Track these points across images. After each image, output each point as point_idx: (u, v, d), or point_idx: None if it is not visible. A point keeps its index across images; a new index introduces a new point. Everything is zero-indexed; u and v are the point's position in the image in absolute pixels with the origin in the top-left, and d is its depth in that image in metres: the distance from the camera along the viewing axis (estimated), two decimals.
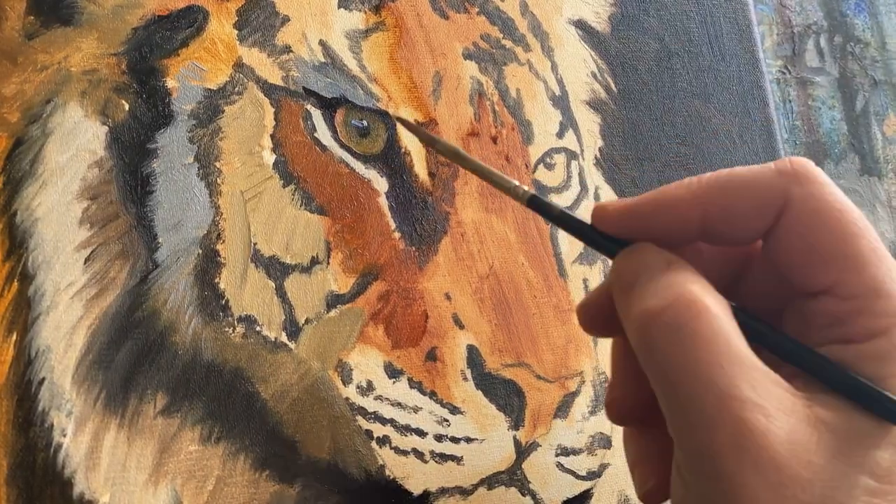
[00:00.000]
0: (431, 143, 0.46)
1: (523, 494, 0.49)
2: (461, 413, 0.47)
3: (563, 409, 0.50)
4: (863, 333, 0.26)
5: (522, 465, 0.49)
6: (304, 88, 0.48)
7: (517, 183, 0.33)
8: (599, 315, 0.33)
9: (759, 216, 0.29)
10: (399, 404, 0.46)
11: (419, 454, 0.46)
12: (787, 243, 0.29)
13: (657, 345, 0.26)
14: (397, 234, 0.49)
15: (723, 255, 0.31)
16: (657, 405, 0.30)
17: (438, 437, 0.47)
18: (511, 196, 0.34)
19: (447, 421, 0.47)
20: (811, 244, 0.28)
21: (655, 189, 0.30)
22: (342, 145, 0.48)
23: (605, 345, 0.53)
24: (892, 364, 0.26)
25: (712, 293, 0.27)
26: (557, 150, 0.56)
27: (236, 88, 0.46)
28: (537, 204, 0.33)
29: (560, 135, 0.56)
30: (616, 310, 0.31)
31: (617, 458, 0.53)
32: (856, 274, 0.27)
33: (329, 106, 0.48)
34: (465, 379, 0.48)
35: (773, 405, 0.24)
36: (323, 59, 0.49)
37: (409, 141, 0.50)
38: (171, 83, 0.45)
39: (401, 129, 0.49)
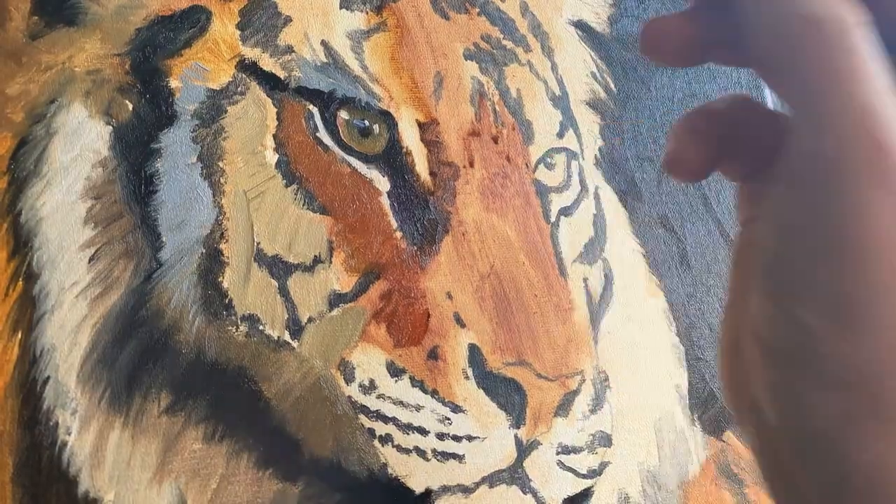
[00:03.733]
0: None
1: (524, 492, 0.49)
2: (463, 411, 0.48)
3: (563, 407, 0.51)
4: None
5: (523, 464, 0.49)
6: (306, 88, 0.48)
7: None
8: (676, 36, 0.32)
9: None
10: (401, 403, 0.47)
11: (421, 452, 0.47)
12: None
13: (806, 50, 0.27)
14: (399, 234, 0.49)
15: None
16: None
17: (440, 436, 0.47)
18: None
19: (449, 419, 0.47)
20: None
21: None
22: (344, 145, 0.48)
23: (606, 344, 0.54)
24: None
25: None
26: (558, 150, 0.56)
27: (239, 88, 0.46)
28: None
29: (560, 134, 0.56)
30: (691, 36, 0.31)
31: (617, 456, 0.53)
32: None
33: (331, 106, 0.48)
34: (467, 377, 0.48)
35: None
36: (325, 60, 0.49)
37: (410, 141, 0.50)
38: (174, 83, 0.45)
39: (402, 128, 0.50)
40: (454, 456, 0.47)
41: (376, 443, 0.46)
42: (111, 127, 0.43)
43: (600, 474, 0.52)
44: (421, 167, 0.50)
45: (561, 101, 0.57)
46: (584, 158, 0.57)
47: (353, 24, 0.50)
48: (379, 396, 0.46)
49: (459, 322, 0.49)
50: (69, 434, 0.39)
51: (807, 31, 0.27)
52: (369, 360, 0.47)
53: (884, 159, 0.24)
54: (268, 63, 0.47)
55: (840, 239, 0.24)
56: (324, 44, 0.49)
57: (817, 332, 0.25)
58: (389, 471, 0.46)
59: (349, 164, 0.48)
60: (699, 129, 0.34)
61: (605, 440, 0.52)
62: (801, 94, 0.27)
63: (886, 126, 0.24)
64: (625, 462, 0.53)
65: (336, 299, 0.47)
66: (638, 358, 0.55)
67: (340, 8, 0.50)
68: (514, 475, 0.49)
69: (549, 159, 0.55)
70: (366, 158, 0.49)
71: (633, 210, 0.59)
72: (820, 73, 0.26)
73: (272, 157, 0.46)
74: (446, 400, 0.47)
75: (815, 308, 0.25)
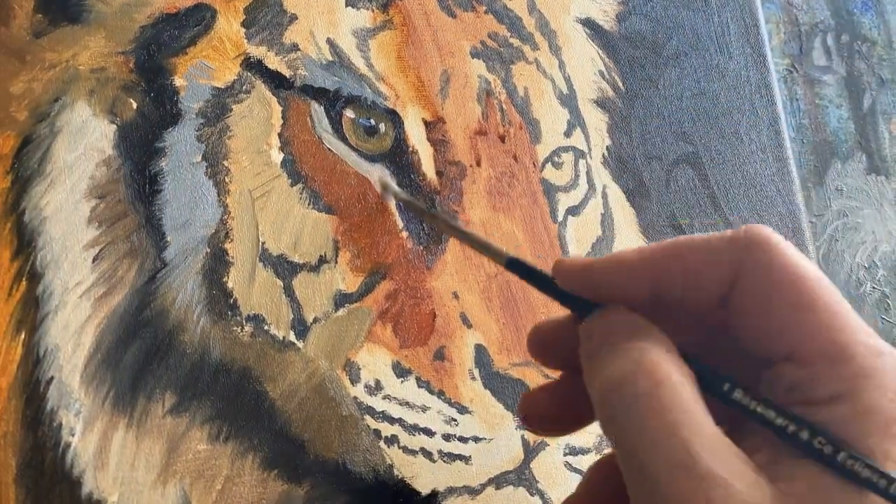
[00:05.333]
0: (425, 215, 0.47)
1: (531, 494, 0.49)
2: (469, 412, 0.47)
3: None
4: (825, 397, 0.26)
5: (531, 465, 0.49)
6: (311, 87, 0.48)
7: (500, 247, 0.33)
8: (550, 346, 0.34)
9: (710, 283, 0.28)
10: (407, 404, 0.46)
11: (427, 454, 0.46)
12: (742, 312, 0.28)
13: (616, 414, 0.26)
14: (405, 233, 0.48)
15: (683, 326, 0.31)
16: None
17: (446, 437, 0.47)
18: (493, 259, 0.34)
19: (455, 420, 0.47)
20: (766, 312, 0.27)
21: (614, 252, 0.31)
22: (350, 144, 0.48)
23: None
24: (856, 426, 0.25)
25: (675, 362, 0.27)
26: (565, 149, 0.55)
27: (244, 87, 0.46)
28: (515, 265, 0.33)
29: (568, 133, 0.56)
30: (564, 345, 0.32)
31: None
32: (814, 340, 0.26)
33: (336, 104, 0.48)
34: (473, 378, 0.48)
35: (733, 477, 0.24)
36: (330, 58, 0.48)
37: (416, 140, 0.49)
38: (178, 81, 0.45)
39: (408, 127, 0.49)
40: (460, 457, 0.47)
41: (382, 444, 0.46)
42: (115, 125, 0.43)
43: None
44: (427, 166, 0.50)
45: (568, 100, 0.57)
46: (591, 157, 0.57)
47: (359, 22, 0.50)
48: (385, 397, 0.46)
49: (466, 322, 0.48)
50: (73, 435, 0.39)
51: (613, 394, 0.27)
52: (375, 361, 0.46)
53: None
54: (273, 61, 0.47)
55: None
56: (329, 42, 0.49)
57: None
58: (395, 472, 0.46)
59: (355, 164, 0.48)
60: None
61: None
62: (623, 459, 0.26)
63: (710, 477, 0.24)
64: None
65: (341, 299, 0.46)
66: None
67: (346, 6, 0.50)
68: (521, 476, 0.49)
69: (556, 158, 0.55)
70: (371, 157, 0.48)
71: (641, 209, 0.58)
72: (633, 435, 0.25)
73: (277, 156, 0.46)
74: (453, 401, 0.47)
75: None
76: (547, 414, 0.34)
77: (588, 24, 0.60)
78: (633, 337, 0.28)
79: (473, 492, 0.47)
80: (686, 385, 0.26)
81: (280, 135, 0.46)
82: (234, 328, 0.43)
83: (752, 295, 0.28)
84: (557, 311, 0.51)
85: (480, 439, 0.47)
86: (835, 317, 0.26)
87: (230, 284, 0.44)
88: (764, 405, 0.27)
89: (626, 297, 0.30)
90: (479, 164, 0.51)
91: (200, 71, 0.45)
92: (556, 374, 0.50)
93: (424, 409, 0.46)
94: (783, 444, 0.26)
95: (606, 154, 0.58)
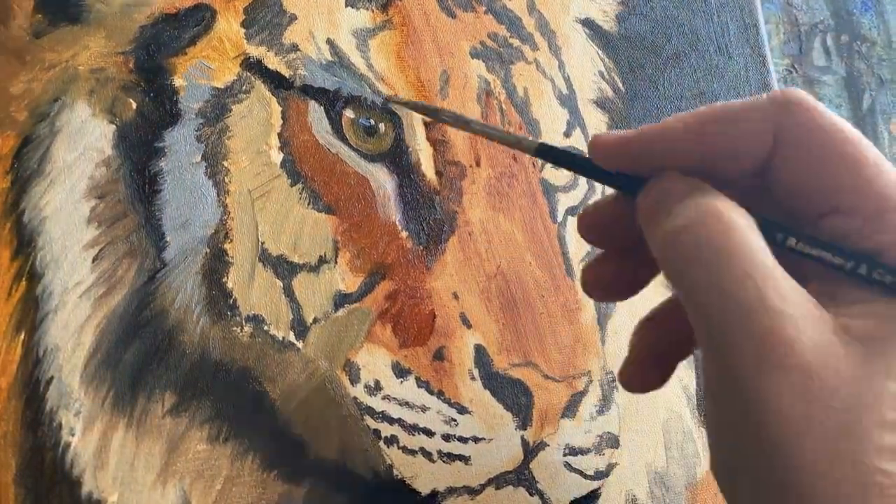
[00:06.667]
0: (434, 115, 0.46)
1: (531, 494, 0.49)
2: (469, 413, 0.47)
3: (570, 408, 0.50)
4: (874, 248, 0.27)
5: (530, 465, 0.49)
6: (311, 87, 0.48)
7: (523, 135, 0.33)
8: (601, 222, 0.34)
9: (754, 147, 0.29)
10: (407, 404, 0.46)
11: (427, 454, 0.46)
12: (787, 171, 0.29)
13: (685, 260, 0.27)
14: (405, 233, 0.48)
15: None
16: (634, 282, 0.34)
17: (446, 437, 0.47)
18: (519, 149, 0.34)
19: (455, 420, 0.47)
20: (813, 168, 0.28)
21: (656, 124, 0.30)
22: (349, 144, 0.48)
23: (613, 344, 0.53)
24: None
25: (739, 209, 0.27)
26: None
27: (244, 87, 0.46)
28: (546, 151, 0.33)
29: (567, 134, 0.56)
30: (614, 219, 0.33)
31: (625, 457, 0.52)
32: (860, 189, 0.27)
33: (336, 104, 0.48)
34: (473, 378, 0.48)
35: (800, 315, 0.24)
36: (330, 58, 0.48)
37: (416, 140, 0.49)
38: (178, 82, 0.45)
39: (408, 128, 0.49)
40: (460, 457, 0.47)
41: (382, 444, 0.46)
42: (115, 126, 0.43)
43: (608, 476, 0.52)
44: (427, 166, 0.50)
45: (568, 100, 0.57)
46: None
47: (359, 22, 0.50)
48: (384, 397, 0.46)
49: (465, 323, 0.48)
50: (73, 435, 0.39)
51: (681, 240, 0.27)
52: (375, 361, 0.46)
53: (779, 350, 0.24)
54: (273, 61, 0.47)
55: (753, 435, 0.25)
56: (329, 42, 0.49)
57: None
58: (395, 472, 0.46)
59: (355, 164, 0.48)
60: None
61: (613, 441, 0.52)
62: (693, 306, 0.27)
63: (779, 316, 0.24)
64: (632, 463, 0.53)
65: (341, 299, 0.46)
66: None
67: (346, 6, 0.50)
68: (521, 477, 0.49)
69: None
70: (371, 157, 0.48)
71: None
72: (703, 280, 0.26)
73: (277, 156, 0.46)
74: (452, 401, 0.47)
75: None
76: (606, 280, 0.36)
77: (588, 24, 0.60)
78: (696, 191, 0.28)
79: (473, 492, 0.47)
80: (752, 229, 0.27)
81: (280, 135, 0.46)
82: (234, 328, 0.43)
83: (797, 153, 0.28)
84: (559, 313, 0.51)
85: (480, 439, 0.47)
86: (880, 171, 0.27)
87: (230, 284, 0.44)
88: (821, 247, 0.28)
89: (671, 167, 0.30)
90: (478, 164, 0.51)
91: (200, 71, 0.45)
92: (556, 376, 0.50)
93: (424, 409, 0.46)
94: (838, 286, 0.27)
95: None
